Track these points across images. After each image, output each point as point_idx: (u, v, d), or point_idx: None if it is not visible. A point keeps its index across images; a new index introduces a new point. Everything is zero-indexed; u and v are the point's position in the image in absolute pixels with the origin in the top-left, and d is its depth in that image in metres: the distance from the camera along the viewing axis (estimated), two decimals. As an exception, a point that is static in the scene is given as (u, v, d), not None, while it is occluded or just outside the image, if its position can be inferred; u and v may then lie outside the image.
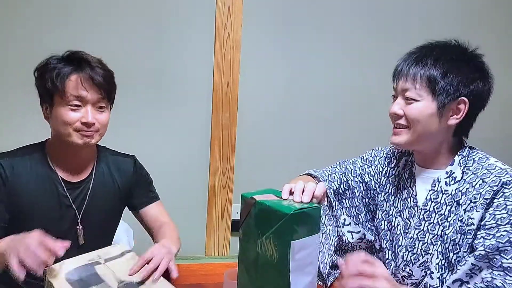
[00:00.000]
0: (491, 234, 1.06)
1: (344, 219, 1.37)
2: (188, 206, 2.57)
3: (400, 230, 1.26)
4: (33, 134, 1.46)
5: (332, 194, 1.37)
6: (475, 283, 1.05)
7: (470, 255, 1.08)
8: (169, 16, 2.40)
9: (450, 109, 1.16)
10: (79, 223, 1.40)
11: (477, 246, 1.08)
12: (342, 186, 1.39)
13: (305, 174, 1.47)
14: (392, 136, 1.22)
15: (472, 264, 1.06)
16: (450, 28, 2.64)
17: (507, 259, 1.03)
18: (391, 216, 1.30)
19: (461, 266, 1.09)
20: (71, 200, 1.38)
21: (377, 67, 2.67)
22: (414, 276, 1.21)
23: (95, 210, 1.43)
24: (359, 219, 1.38)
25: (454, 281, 1.08)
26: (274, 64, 2.56)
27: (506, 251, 1.03)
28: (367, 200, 1.38)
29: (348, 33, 2.62)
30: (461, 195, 1.14)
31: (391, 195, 1.31)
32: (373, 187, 1.37)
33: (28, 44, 2.26)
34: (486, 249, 1.05)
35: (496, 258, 1.04)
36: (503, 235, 1.04)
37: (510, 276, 1.01)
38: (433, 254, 1.17)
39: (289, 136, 2.64)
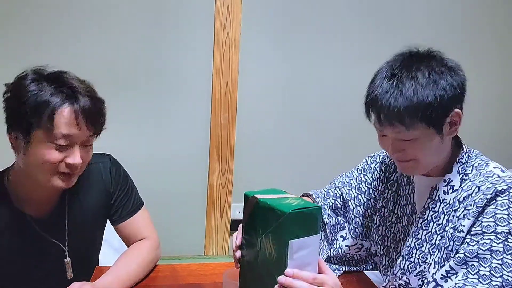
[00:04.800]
0: (475, 241, 1.03)
1: (346, 233, 1.36)
2: (187, 205, 2.57)
3: (399, 237, 1.24)
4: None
5: (328, 210, 1.35)
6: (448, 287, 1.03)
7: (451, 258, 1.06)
8: (168, 16, 2.40)
9: (447, 124, 1.07)
10: (67, 256, 1.25)
11: (459, 250, 1.05)
12: (338, 200, 1.37)
13: (302, 195, 1.43)
14: (402, 169, 1.14)
15: (449, 266, 1.04)
16: (451, 28, 2.64)
17: (484, 267, 1.00)
18: (390, 222, 1.27)
19: (440, 267, 1.07)
20: (50, 237, 1.22)
21: (378, 67, 2.66)
22: (411, 285, 1.19)
23: (79, 238, 1.27)
24: (356, 232, 1.35)
25: (430, 282, 1.07)
26: (273, 64, 2.56)
27: (485, 259, 1.00)
28: (369, 211, 1.34)
29: (348, 33, 2.61)
30: (459, 204, 1.11)
31: (389, 201, 1.29)
32: (372, 195, 1.34)
33: (27, 43, 2.26)
34: (466, 253, 1.02)
35: (474, 265, 1.00)
36: (486, 243, 1.01)
37: (483, 284, 0.98)
38: (431, 264, 1.14)
39: (288, 135, 2.64)
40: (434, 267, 1.13)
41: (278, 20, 2.53)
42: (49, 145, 1.07)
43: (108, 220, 1.37)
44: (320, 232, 1.13)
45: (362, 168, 1.40)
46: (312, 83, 2.62)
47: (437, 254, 1.13)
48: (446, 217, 1.13)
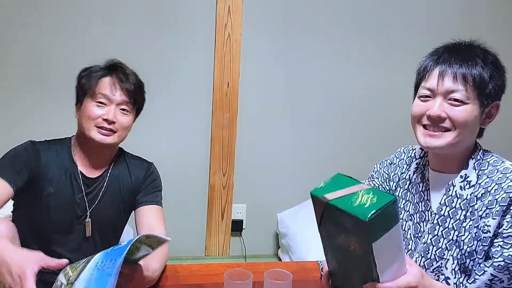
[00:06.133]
0: (509, 244, 1.06)
1: None
2: (188, 206, 2.57)
3: (410, 234, 1.25)
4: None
5: None
6: None
7: (487, 264, 1.07)
8: (169, 16, 2.40)
9: (485, 112, 1.15)
10: (88, 216, 1.48)
11: (494, 255, 1.07)
12: None
13: None
14: (427, 137, 1.15)
15: (491, 274, 1.06)
16: (451, 28, 2.64)
17: None
18: (401, 220, 1.27)
19: (479, 275, 1.08)
20: (84, 193, 1.46)
21: (377, 67, 2.67)
22: None
23: (105, 206, 1.49)
24: None
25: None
26: (274, 64, 2.56)
27: None
28: None
29: (348, 33, 2.61)
30: (477, 200, 1.13)
31: (401, 199, 1.29)
32: None
33: (28, 44, 2.26)
34: (506, 260, 1.05)
35: None
36: None
37: None
38: (448, 259, 1.16)
39: (289, 136, 2.64)
40: (453, 263, 1.14)
41: (279, 20, 2.53)
42: (93, 103, 1.42)
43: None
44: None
45: (370, 175, 1.41)
46: (313, 83, 2.62)
47: (455, 250, 1.14)
48: (464, 213, 1.14)
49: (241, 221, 2.66)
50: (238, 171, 2.58)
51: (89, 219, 1.48)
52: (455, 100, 1.11)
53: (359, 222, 0.86)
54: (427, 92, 1.16)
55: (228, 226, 2.63)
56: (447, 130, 1.13)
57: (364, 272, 0.94)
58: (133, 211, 1.58)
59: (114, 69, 1.47)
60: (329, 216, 0.95)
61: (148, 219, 1.51)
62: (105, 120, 1.41)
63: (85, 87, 1.44)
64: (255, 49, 2.50)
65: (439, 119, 1.13)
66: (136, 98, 1.49)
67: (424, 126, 1.16)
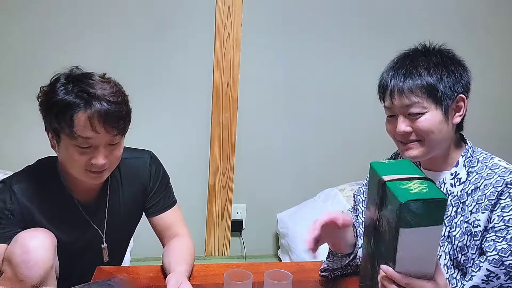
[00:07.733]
0: (501, 237, 1.07)
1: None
2: (188, 206, 2.55)
3: None
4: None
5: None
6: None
7: (482, 260, 1.09)
8: (169, 16, 2.40)
9: (452, 109, 1.18)
10: (104, 242, 1.37)
11: (488, 250, 1.09)
12: (359, 216, 1.41)
13: None
14: (405, 151, 1.20)
15: (487, 269, 1.07)
16: (449, 28, 2.64)
17: None
18: None
19: (475, 272, 1.09)
20: (92, 222, 1.35)
21: (378, 67, 2.66)
22: None
23: (115, 225, 1.39)
24: None
25: None
26: (274, 64, 2.56)
27: None
28: None
29: (348, 32, 2.61)
30: (467, 196, 1.16)
31: None
32: None
33: (29, 44, 2.26)
34: (500, 253, 1.07)
35: None
36: None
37: None
38: (441, 255, 1.18)
39: (289, 135, 2.64)
40: (445, 258, 1.17)
41: (279, 20, 2.52)
42: (74, 147, 1.17)
43: (143, 212, 1.46)
44: (443, 223, 1.09)
45: (366, 180, 1.42)
46: (313, 82, 2.61)
47: (447, 246, 1.17)
48: (455, 209, 1.17)
49: (240, 221, 2.66)
50: (237, 171, 2.58)
51: (105, 244, 1.37)
52: (413, 114, 1.16)
53: (396, 203, 0.88)
54: (389, 112, 1.23)
55: (228, 226, 2.63)
56: (418, 140, 1.18)
57: (387, 257, 0.96)
58: (145, 213, 1.47)
59: (88, 96, 1.14)
60: (379, 194, 0.98)
61: (168, 226, 1.43)
62: (94, 165, 1.19)
63: (57, 127, 1.17)
64: (255, 48, 2.50)
65: (407, 134, 1.18)
66: (124, 124, 1.22)
67: (400, 141, 1.21)
